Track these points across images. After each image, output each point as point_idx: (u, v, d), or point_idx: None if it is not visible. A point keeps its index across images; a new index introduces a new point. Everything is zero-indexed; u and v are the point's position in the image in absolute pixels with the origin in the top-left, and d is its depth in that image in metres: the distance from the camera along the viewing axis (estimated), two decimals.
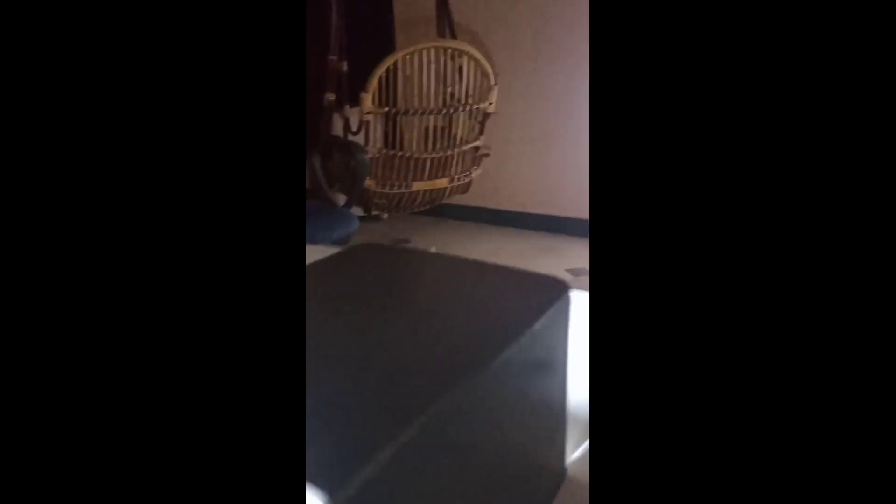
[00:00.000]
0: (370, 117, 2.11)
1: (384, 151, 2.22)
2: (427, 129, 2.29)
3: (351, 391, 0.20)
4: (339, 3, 2.20)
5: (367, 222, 2.61)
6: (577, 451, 0.36)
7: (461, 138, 2.30)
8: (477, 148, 2.37)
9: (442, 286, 0.32)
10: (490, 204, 3.13)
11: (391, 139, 2.25)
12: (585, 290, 0.40)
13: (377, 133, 2.22)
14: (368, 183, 2.15)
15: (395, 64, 2.09)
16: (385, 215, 2.83)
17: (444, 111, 2.24)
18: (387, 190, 2.25)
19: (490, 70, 2.20)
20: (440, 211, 2.93)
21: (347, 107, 2.31)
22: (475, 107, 2.24)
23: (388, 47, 2.97)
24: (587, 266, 2.56)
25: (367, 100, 2.05)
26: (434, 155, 2.26)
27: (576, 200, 2.77)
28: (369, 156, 2.11)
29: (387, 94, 2.11)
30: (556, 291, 0.34)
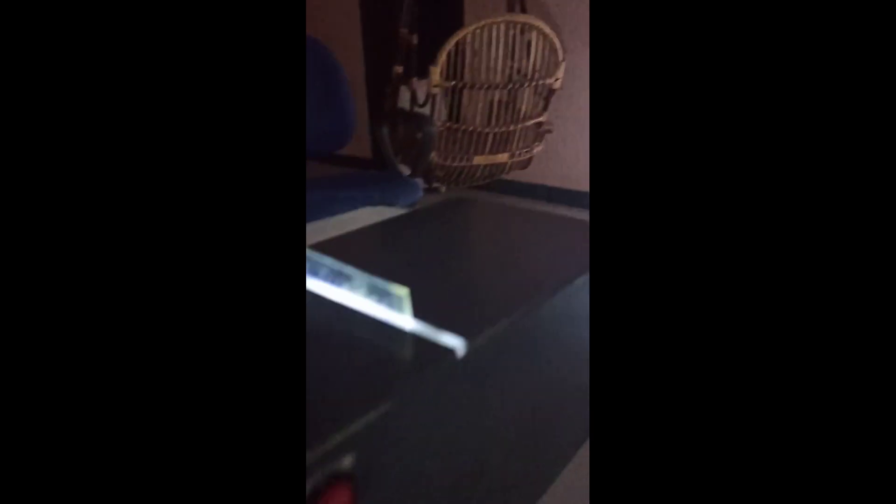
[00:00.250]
0: (437, 90, 2.15)
1: (447, 125, 2.27)
2: (492, 103, 2.31)
3: (463, 291, 0.26)
4: None
5: (427, 194, 2.68)
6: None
7: (525, 114, 2.31)
8: (540, 124, 2.38)
9: (525, 235, 0.38)
10: (548, 181, 3.13)
11: (455, 113, 2.29)
12: None
13: (442, 106, 2.27)
14: (431, 155, 2.20)
15: (464, 38, 2.11)
16: (443, 188, 2.89)
17: (510, 86, 2.25)
18: (448, 163, 2.30)
19: (558, 45, 2.19)
20: (498, 186, 2.96)
21: (415, 79, 2.36)
22: (541, 82, 2.24)
23: (457, 21, 2.98)
24: None
25: (436, 73, 2.09)
26: (497, 129, 2.29)
27: None
28: (435, 128, 2.17)
29: (454, 68, 2.14)
30: None
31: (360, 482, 0.19)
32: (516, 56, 2.25)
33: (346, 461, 0.18)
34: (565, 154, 2.97)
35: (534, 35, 2.18)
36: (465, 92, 2.24)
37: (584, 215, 2.92)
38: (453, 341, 0.23)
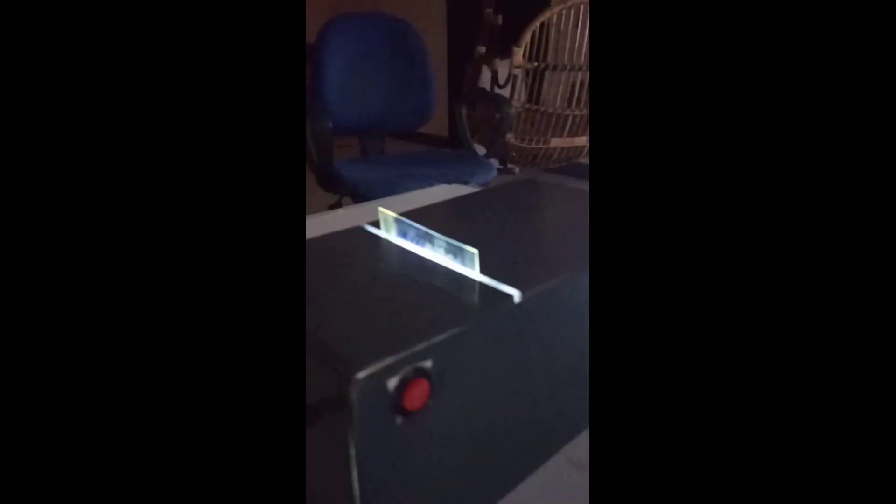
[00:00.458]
0: (518, 71, 2.17)
1: (526, 106, 2.28)
2: (573, 85, 2.29)
3: (522, 254, 0.33)
4: None
5: (501, 174, 2.72)
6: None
7: None
8: None
9: (584, 214, 0.43)
10: None
11: (535, 94, 2.30)
12: None
13: (523, 87, 2.28)
14: (508, 136, 2.24)
15: (549, 18, 2.10)
16: (517, 169, 2.91)
17: None
18: (524, 144, 2.33)
19: None
20: (573, 170, 2.93)
21: (497, 59, 2.38)
22: None
23: (543, 1, 2.95)
24: None
25: (518, 54, 2.10)
26: (577, 112, 2.27)
27: None
28: (513, 110, 2.19)
29: (537, 49, 2.14)
30: None
31: (435, 381, 0.26)
32: None
33: (427, 364, 0.26)
34: None
35: None
36: (547, 73, 2.24)
37: None
38: (512, 290, 0.29)
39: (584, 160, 2.53)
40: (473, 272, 0.32)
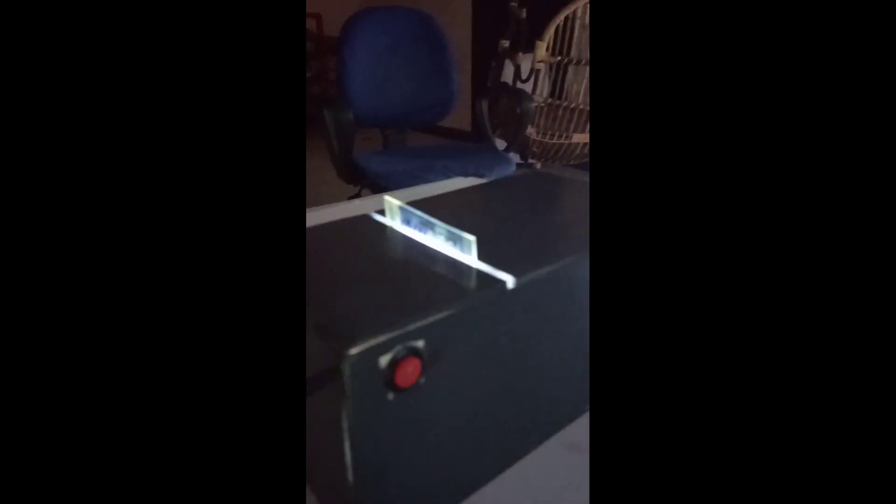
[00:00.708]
0: (541, 66, 2.15)
1: (549, 101, 2.27)
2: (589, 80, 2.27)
3: (519, 242, 0.34)
4: None
5: (521, 169, 2.71)
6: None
7: None
8: None
9: (578, 205, 0.44)
10: None
11: (558, 89, 2.28)
12: None
13: (545, 82, 2.26)
14: (529, 131, 2.22)
15: (573, 12, 2.08)
16: (538, 164, 2.89)
17: None
18: (546, 139, 2.31)
19: None
20: None
21: (520, 54, 2.37)
22: None
23: None
24: None
25: (542, 48, 2.09)
26: None
27: None
28: (535, 104, 2.18)
29: (561, 44, 2.12)
30: None
31: (427, 360, 0.27)
32: None
33: (419, 343, 0.27)
34: None
35: None
36: (570, 68, 2.22)
37: None
38: (506, 276, 0.30)
39: None
40: (471, 258, 0.33)
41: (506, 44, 2.36)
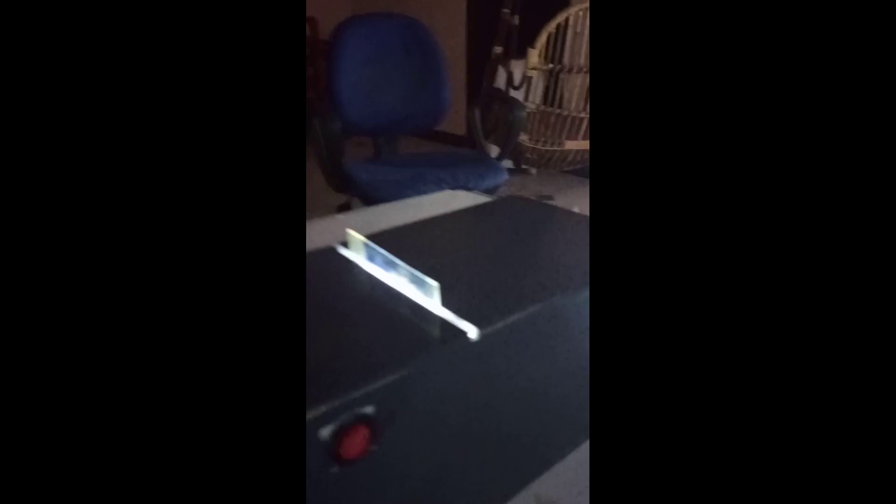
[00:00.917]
0: (534, 73, 2.14)
1: (542, 108, 2.25)
2: (589, 87, 2.26)
3: (488, 286, 0.31)
4: None
5: (517, 175, 2.69)
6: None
7: None
8: None
9: (559, 237, 0.42)
10: None
11: (551, 96, 2.27)
12: None
13: (538, 89, 2.25)
14: (523, 138, 2.21)
15: (566, 20, 2.07)
16: (534, 171, 2.87)
17: None
18: (539, 146, 2.30)
19: None
20: (588, 172, 2.89)
21: (513, 60, 2.36)
22: None
23: (561, 3, 2.91)
24: None
25: (534, 55, 2.08)
26: None
27: None
28: (527, 111, 2.16)
29: (553, 51, 2.11)
30: None
31: (378, 427, 0.25)
32: None
33: (369, 409, 0.24)
34: None
35: None
36: (563, 75, 2.20)
37: None
38: (469, 327, 0.28)
39: None
40: (433, 303, 0.30)
41: (498, 50, 2.35)
